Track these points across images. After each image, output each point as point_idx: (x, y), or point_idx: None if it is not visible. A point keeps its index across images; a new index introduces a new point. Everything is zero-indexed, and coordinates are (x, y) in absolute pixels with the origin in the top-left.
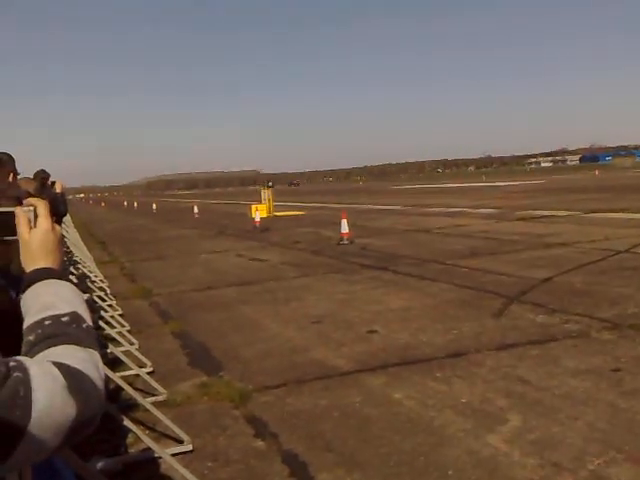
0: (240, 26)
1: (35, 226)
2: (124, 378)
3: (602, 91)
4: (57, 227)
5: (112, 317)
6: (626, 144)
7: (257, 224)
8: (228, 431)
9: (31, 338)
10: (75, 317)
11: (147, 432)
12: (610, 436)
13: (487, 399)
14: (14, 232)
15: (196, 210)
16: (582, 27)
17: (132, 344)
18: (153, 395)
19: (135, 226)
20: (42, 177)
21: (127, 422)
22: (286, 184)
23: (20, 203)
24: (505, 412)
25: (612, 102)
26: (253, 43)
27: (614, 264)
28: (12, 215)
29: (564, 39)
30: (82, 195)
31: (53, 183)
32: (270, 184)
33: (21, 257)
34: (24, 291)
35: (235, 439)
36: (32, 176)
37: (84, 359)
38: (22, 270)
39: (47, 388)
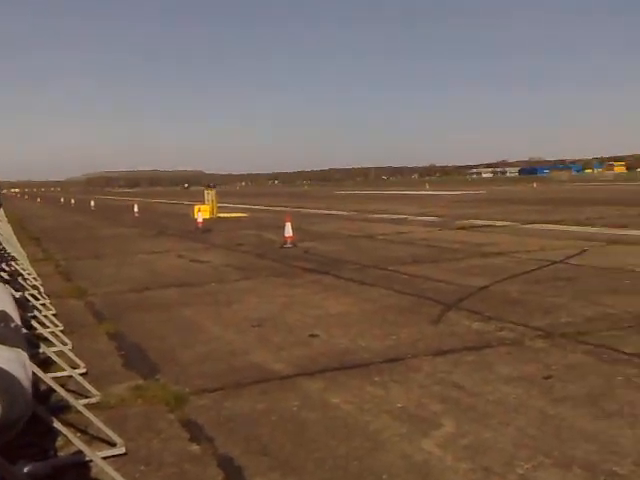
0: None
1: None
2: (56, 379)
3: (541, 106)
4: None
5: (45, 316)
6: (563, 158)
7: (199, 225)
8: (162, 434)
9: None
10: (2, 316)
11: (78, 435)
12: (539, 442)
13: (422, 404)
14: None
15: (136, 209)
16: (521, 42)
17: (65, 344)
18: (86, 397)
19: (71, 223)
20: None
21: (57, 424)
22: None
23: None
24: (439, 417)
25: (551, 118)
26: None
27: (549, 274)
28: None
29: (508, 54)
30: (17, 190)
31: None
32: (212, 185)
33: None
34: None
35: (169, 443)
36: None
37: (10, 359)
38: None
39: None
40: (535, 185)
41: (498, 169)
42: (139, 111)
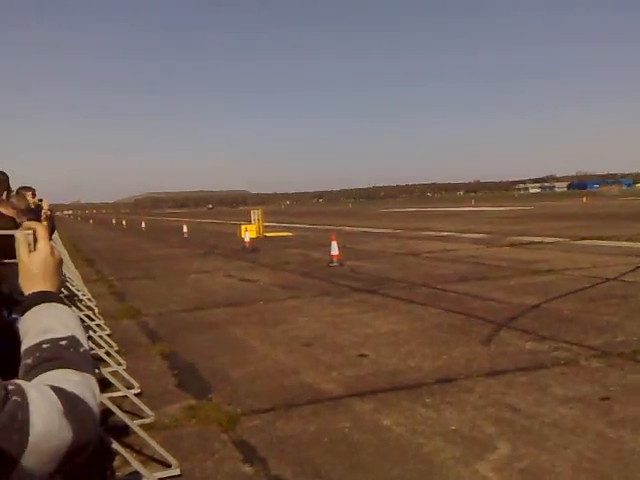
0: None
1: (35, 249)
2: (111, 399)
3: (590, 120)
4: (57, 251)
5: (100, 337)
6: (613, 172)
7: (247, 244)
8: (216, 455)
9: (29, 361)
10: (73, 341)
11: (134, 455)
12: (599, 466)
13: (476, 426)
14: (13, 255)
15: (185, 229)
16: (570, 59)
17: (120, 365)
18: (140, 417)
19: (123, 244)
20: (33, 193)
21: (115, 445)
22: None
23: (15, 224)
24: (494, 440)
25: (599, 131)
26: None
27: (602, 292)
28: (12, 238)
29: (556, 72)
30: (70, 212)
31: (40, 200)
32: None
33: (20, 280)
34: (23, 314)
35: (223, 463)
36: (15, 192)
37: (81, 383)
38: (14, 291)
39: (44, 412)
40: (585, 200)
41: (546, 184)
42: (186, 133)
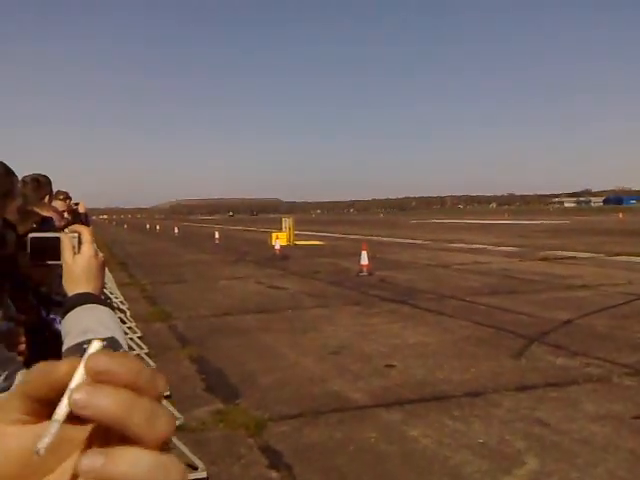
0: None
1: (79, 252)
2: None
3: (629, 134)
4: (100, 254)
5: (131, 339)
6: None
7: (277, 252)
8: (243, 460)
9: None
10: (112, 342)
11: None
12: None
13: (504, 440)
14: (58, 257)
15: (217, 236)
16: (608, 73)
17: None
18: None
19: (156, 249)
20: (67, 198)
21: None
22: (311, 213)
23: (49, 224)
24: (522, 454)
25: (638, 146)
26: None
27: (637, 309)
28: (57, 240)
29: (596, 86)
30: (106, 216)
31: (76, 204)
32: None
33: (63, 281)
34: (65, 314)
35: (249, 468)
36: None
37: None
38: (53, 292)
39: None
40: (621, 215)
41: (582, 198)
42: (221, 141)
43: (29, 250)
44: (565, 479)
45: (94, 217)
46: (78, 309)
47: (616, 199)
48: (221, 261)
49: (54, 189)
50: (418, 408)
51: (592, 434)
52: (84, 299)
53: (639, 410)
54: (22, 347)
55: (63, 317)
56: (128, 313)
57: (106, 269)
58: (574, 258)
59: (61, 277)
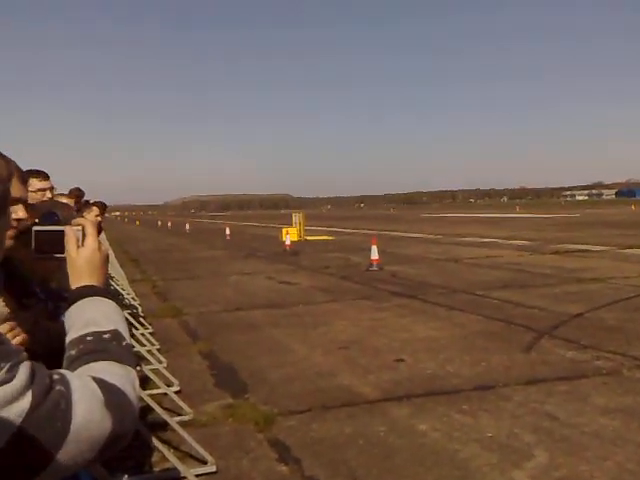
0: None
1: (83, 245)
2: (152, 396)
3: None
4: (103, 247)
5: (142, 335)
6: None
7: (288, 247)
8: (252, 454)
9: (73, 352)
10: (116, 334)
11: (172, 451)
12: (639, 478)
13: (514, 434)
14: (62, 250)
15: (228, 232)
16: (626, 61)
17: (161, 362)
18: (179, 414)
19: (168, 245)
20: (77, 195)
21: (155, 440)
22: (321, 208)
23: (51, 218)
24: (532, 448)
25: None
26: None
27: None
28: (61, 234)
29: (607, 74)
30: (118, 213)
31: (87, 202)
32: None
33: (68, 274)
34: (69, 306)
35: (258, 462)
36: (67, 192)
37: (122, 375)
38: (62, 285)
39: (86, 402)
40: (633, 208)
41: (594, 191)
42: (233, 137)
43: (33, 243)
44: (574, 472)
45: (107, 215)
46: (81, 302)
47: (629, 191)
48: (232, 257)
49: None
50: (427, 402)
51: (602, 427)
52: (88, 291)
53: None
54: (18, 340)
55: (67, 310)
56: (139, 308)
57: (118, 265)
58: (585, 251)
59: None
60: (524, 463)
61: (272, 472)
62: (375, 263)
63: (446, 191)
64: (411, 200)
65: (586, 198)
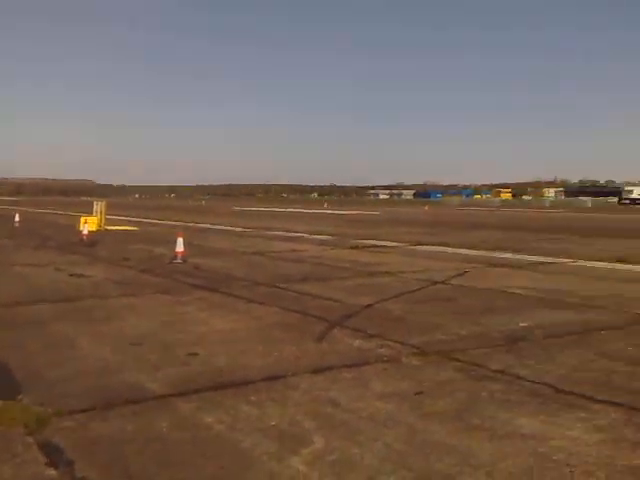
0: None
1: None
2: None
3: (438, 134)
4: None
5: None
6: (455, 183)
7: (84, 237)
8: (17, 459)
9: None
10: None
11: None
12: (404, 456)
13: (296, 421)
14: None
15: (17, 218)
16: (426, 76)
17: None
18: None
19: None
20: None
21: None
22: (125, 197)
23: None
24: (311, 434)
25: (445, 146)
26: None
27: (430, 294)
28: None
29: (408, 91)
30: None
31: None
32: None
33: None
34: None
35: (23, 467)
36: None
37: None
38: None
39: None
40: (427, 208)
41: (394, 191)
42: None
43: None
44: (346, 455)
45: None
46: None
47: (424, 193)
48: (18, 246)
49: None
50: (216, 395)
51: (377, 411)
52: None
53: (421, 387)
54: None
55: None
56: None
57: None
58: (381, 247)
59: None
60: (301, 449)
61: (39, 477)
62: (179, 255)
63: (259, 184)
64: (225, 192)
65: (388, 197)
